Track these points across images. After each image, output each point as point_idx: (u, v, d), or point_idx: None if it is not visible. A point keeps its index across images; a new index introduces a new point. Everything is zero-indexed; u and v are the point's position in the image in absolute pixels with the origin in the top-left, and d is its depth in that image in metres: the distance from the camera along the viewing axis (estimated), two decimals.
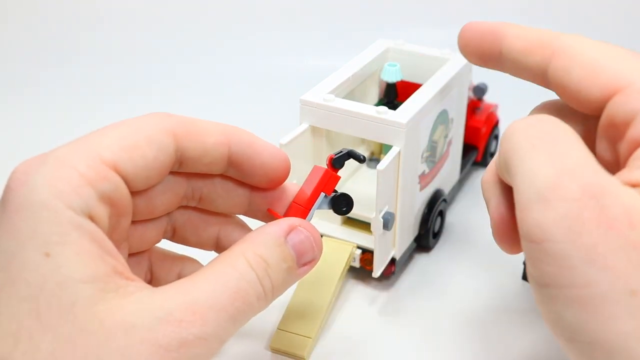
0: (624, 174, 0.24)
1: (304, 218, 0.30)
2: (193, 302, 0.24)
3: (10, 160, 0.59)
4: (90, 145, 0.25)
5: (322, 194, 0.31)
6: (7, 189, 0.25)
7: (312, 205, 0.31)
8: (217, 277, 0.26)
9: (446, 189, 0.47)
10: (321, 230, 0.43)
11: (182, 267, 0.33)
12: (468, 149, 0.52)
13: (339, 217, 0.43)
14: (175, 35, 0.76)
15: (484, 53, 0.32)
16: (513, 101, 0.56)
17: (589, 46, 0.28)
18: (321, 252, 0.30)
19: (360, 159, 0.31)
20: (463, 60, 0.45)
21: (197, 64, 0.73)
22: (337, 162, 0.31)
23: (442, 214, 0.46)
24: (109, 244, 0.25)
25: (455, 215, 0.49)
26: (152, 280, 0.33)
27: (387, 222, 0.38)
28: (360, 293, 0.42)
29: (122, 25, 0.76)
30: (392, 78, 0.45)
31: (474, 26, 0.33)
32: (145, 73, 0.72)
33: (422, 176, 0.42)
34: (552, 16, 0.76)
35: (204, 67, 0.73)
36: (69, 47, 0.74)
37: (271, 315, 0.39)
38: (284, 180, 0.31)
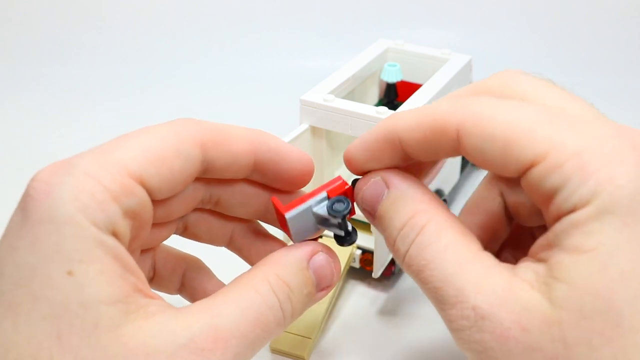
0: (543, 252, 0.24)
1: (297, 205, 0.28)
2: (215, 328, 0.24)
3: (11, 158, 0.59)
4: (116, 156, 0.25)
5: (324, 193, 0.29)
6: (29, 197, 0.24)
7: (310, 198, 0.28)
8: (239, 300, 0.26)
9: (446, 189, 0.47)
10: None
11: (187, 267, 0.33)
12: None
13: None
14: (176, 35, 0.76)
15: (387, 163, 0.28)
16: None
17: (496, 113, 0.24)
18: (339, 278, 0.30)
19: None
20: (463, 60, 0.45)
21: (198, 64, 0.73)
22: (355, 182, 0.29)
23: None
24: (131, 261, 0.24)
25: None
26: (155, 277, 0.32)
27: None
28: (360, 293, 0.42)
29: (123, 25, 0.76)
30: (392, 78, 0.45)
31: (358, 145, 0.28)
32: (146, 73, 0.72)
33: None
34: (552, 16, 0.76)
35: (204, 67, 0.73)
36: (68, 46, 0.74)
37: None
38: (307, 183, 0.30)
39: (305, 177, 0.30)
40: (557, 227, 0.23)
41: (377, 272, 0.40)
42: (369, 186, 0.28)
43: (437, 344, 0.39)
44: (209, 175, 0.28)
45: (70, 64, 0.72)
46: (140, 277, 0.25)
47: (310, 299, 0.28)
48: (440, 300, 0.25)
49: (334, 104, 0.39)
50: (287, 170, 0.29)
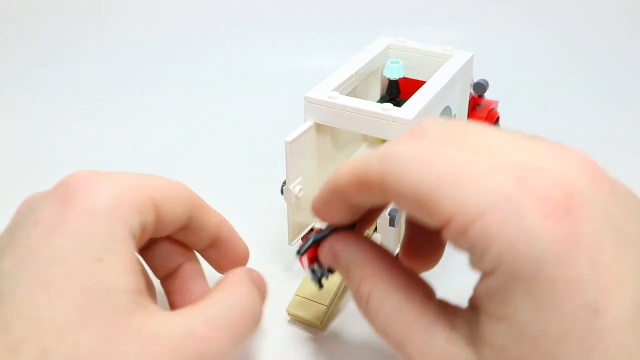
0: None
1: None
2: (209, 321, 0.29)
3: (11, 158, 0.58)
4: (144, 181, 0.30)
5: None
6: (70, 190, 0.28)
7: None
8: (225, 302, 0.31)
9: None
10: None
11: (187, 261, 0.35)
12: None
13: None
14: (176, 35, 0.76)
15: (342, 212, 0.30)
16: (513, 98, 0.57)
17: (410, 169, 0.25)
18: (267, 292, 0.35)
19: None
20: (465, 57, 0.46)
21: (198, 64, 0.73)
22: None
23: None
24: (140, 264, 0.29)
25: None
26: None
27: (393, 219, 0.38)
28: None
29: (123, 25, 0.76)
30: (395, 75, 0.45)
31: (319, 197, 0.31)
32: (146, 73, 0.72)
33: None
34: (554, 13, 0.76)
35: (204, 67, 0.73)
36: (68, 46, 0.74)
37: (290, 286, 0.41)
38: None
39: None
40: (478, 291, 0.25)
41: None
42: (324, 256, 0.32)
43: None
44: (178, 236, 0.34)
45: (70, 64, 0.72)
46: (145, 280, 0.29)
47: (261, 305, 0.33)
48: None
49: (338, 100, 0.39)
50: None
